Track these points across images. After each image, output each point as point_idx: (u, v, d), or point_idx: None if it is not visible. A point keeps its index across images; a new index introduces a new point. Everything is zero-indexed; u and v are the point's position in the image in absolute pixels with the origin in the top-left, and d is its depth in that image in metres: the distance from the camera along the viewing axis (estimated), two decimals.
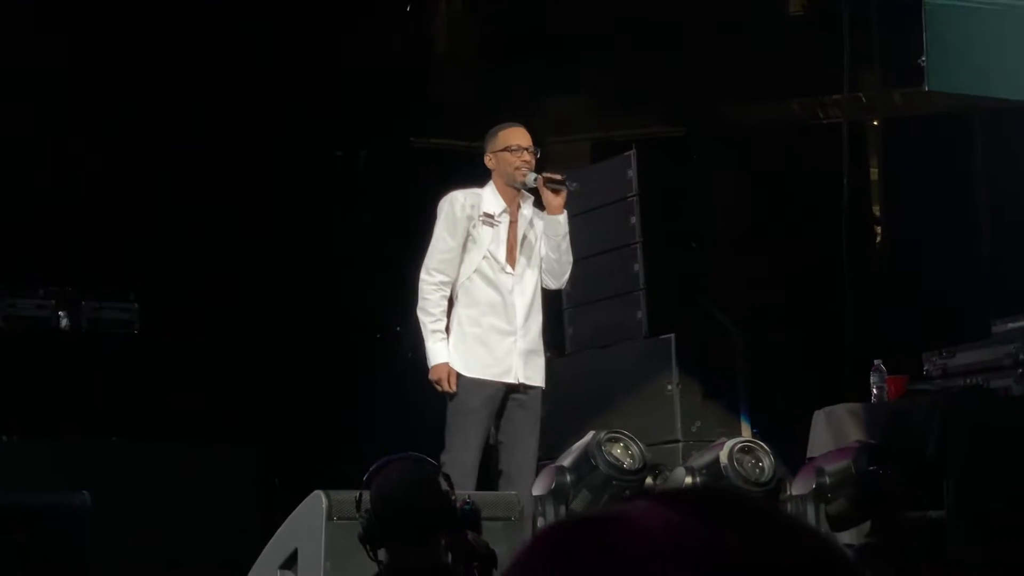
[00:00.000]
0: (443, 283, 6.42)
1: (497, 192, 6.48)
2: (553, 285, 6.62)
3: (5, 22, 8.75)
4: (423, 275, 6.44)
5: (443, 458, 6.17)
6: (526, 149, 6.44)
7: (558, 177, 6.40)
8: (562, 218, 6.41)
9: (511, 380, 6.39)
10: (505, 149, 6.43)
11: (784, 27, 10.40)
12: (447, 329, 6.43)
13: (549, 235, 6.44)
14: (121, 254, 8.69)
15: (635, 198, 7.58)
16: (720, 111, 10.21)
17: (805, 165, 8.90)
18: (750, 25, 10.21)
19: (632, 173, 7.58)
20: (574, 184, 6.46)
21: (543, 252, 6.49)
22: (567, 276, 6.58)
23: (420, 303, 6.44)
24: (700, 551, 0.95)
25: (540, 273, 6.52)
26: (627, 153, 7.70)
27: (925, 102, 9.17)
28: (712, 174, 8.00)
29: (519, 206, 6.49)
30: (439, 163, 9.79)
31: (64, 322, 7.82)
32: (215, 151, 9.25)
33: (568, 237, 6.47)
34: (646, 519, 0.96)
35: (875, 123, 9.89)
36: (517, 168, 6.40)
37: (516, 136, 6.48)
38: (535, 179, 6.40)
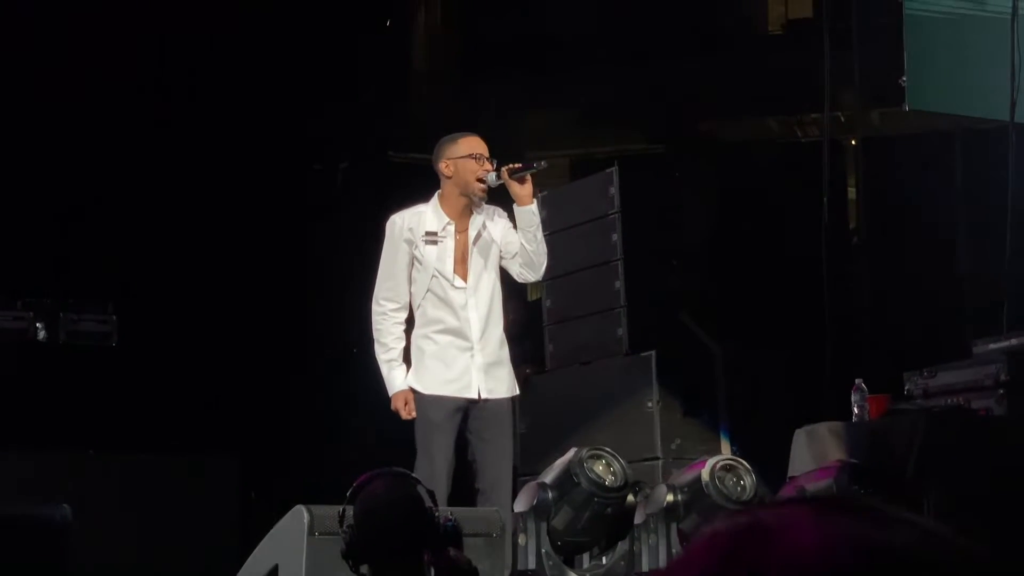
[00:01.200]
0: (394, 310, 6.29)
1: (440, 207, 6.30)
2: (532, 277, 6.44)
3: None
4: (373, 306, 6.33)
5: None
6: (488, 159, 6.28)
7: (518, 165, 6.22)
8: (534, 207, 6.24)
9: (473, 396, 6.25)
10: (469, 156, 6.25)
11: (764, 46, 10.45)
12: (408, 355, 6.32)
13: (523, 227, 6.25)
14: (99, 266, 8.66)
15: (617, 215, 7.58)
16: (701, 128, 10.25)
17: (785, 183, 8.92)
18: (730, 43, 10.25)
19: (614, 190, 7.58)
20: (542, 161, 6.38)
21: (514, 248, 6.30)
22: (545, 266, 6.40)
23: (374, 335, 6.33)
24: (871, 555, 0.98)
25: (497, 279, 6.36)
26: (609, 170, 7.70)
27: (904, 122, 9.21)
28: (693, 191, 8.01)
29: (470, 213, 6.33)
30: (418, 178, 9.79)
31: (42, 334, 7.79)
32: (195, 164, 9.24)
33: (541, 227, 6.36)
34: (808, 529, 0.98)
35: (853, 142, 9.93)
36: (479, 178, 6.22)
37: (478, 144, 6.30)
38: (496, 178, 6.23)
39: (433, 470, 6.06)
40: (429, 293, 6.29)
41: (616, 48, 10.19)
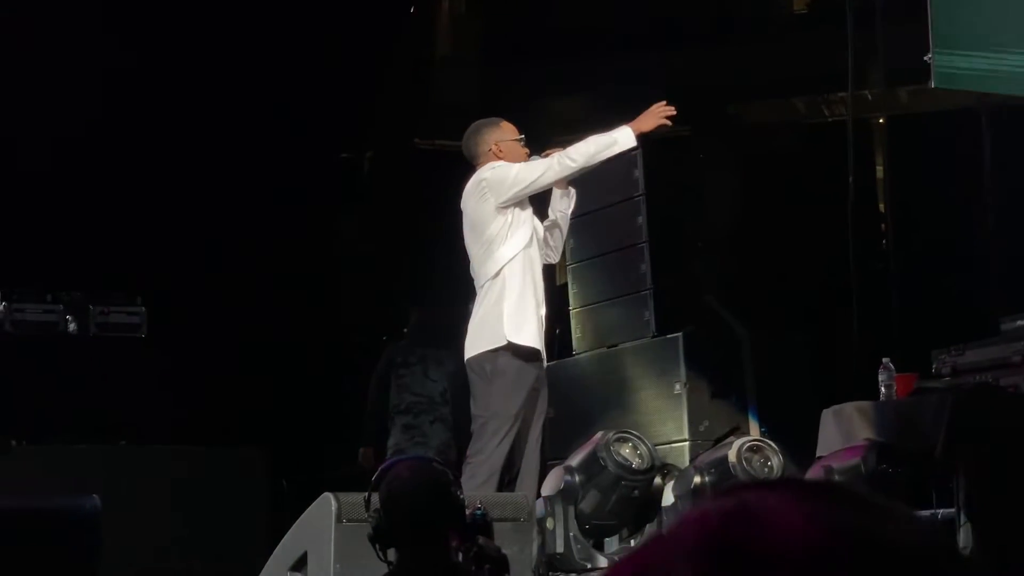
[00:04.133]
0: None
1: None
2: (555, 259, 6.76)
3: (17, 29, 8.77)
4: (548, 162, 6.32)
5: (473, 455, 6.14)
6: None
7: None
8: (573, 190, 6.56)
9: (544, 359, 6.39)
10: (516, 139, 6.46)
11: (789, 24, 10.39)
12: (497, 298, 6.26)
13: (564, 210, 6.56)
14: (128, 259, 8.70)
15: (641, 198, 7.56)
16: (725, 110, 10.21)
17: (811, 163, 8.88)
18: (755, 23, 10.21)
19: (638, 172, 7.57)
20: None
21: (546, 230, 6.57)
22: None
23: (561, 162, 6.30)
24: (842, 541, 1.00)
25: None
26: (633, 152, 7.66)
27: (931, 99, 9.16)
28: (718, 173, 7.99)
29: None
30: (443, 164, 9.80)
31: (72, 327, 7.83)
32: (221, 155, 9.27)
33: None
34: (785, 515, 1.00)
35: (880, 121, 9.88)
36: (527, 157, 6.42)
37: (515, 128, 6.53)
38: None
39: (511, 442, 6.08)
40: (524, 251, 6.33)
41: (639, 29, 10.16)
